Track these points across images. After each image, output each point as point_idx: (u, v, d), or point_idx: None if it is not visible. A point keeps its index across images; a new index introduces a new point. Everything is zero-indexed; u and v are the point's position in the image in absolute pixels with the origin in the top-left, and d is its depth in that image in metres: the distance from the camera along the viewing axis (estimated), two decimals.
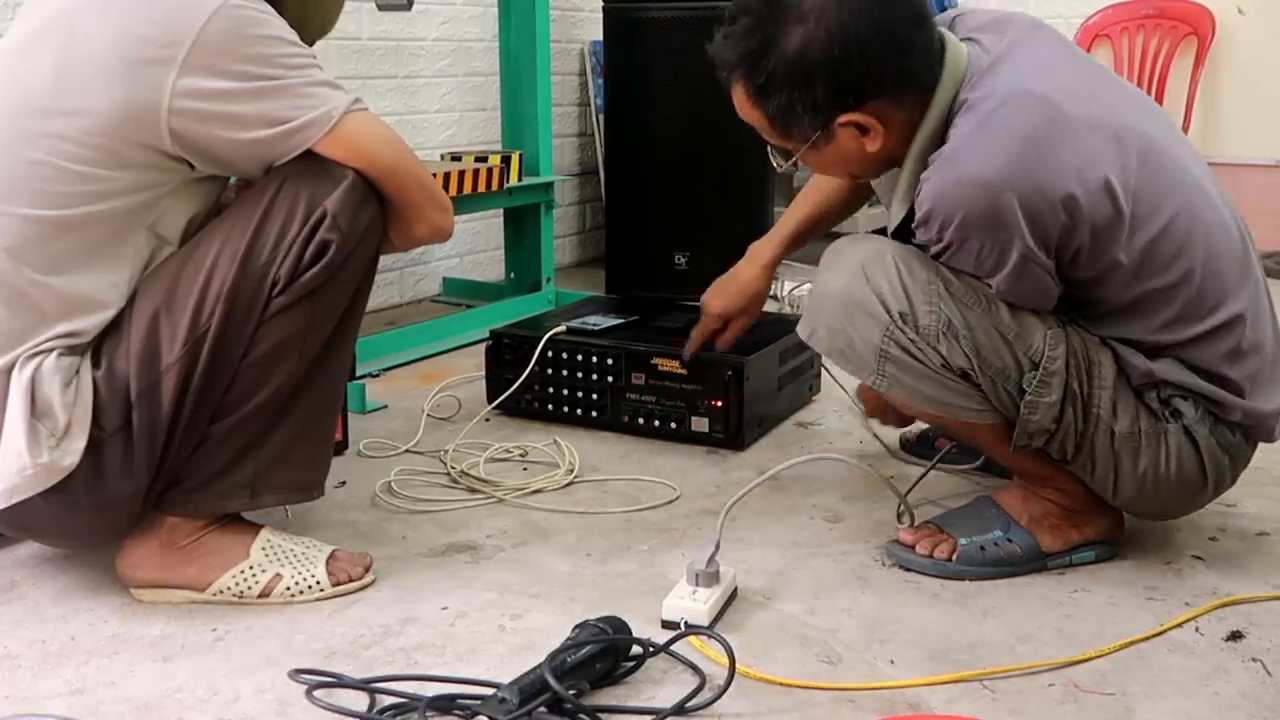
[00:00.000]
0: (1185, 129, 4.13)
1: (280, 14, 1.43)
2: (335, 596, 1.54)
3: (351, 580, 1.57)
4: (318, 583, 1.54)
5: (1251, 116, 4.19)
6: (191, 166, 1.42)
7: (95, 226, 1.39)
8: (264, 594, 1.53)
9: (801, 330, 1.61)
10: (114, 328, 1.43)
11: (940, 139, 1.48)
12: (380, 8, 2.87)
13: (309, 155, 1.44)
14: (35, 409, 1.37)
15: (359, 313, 1.56)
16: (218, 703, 1.30)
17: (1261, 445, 1.61)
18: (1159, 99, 4.23)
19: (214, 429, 1.46)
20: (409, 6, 2.85)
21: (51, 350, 1.39)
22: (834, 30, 1.43)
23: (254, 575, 1.53)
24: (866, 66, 1.45)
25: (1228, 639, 1.44)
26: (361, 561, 1.60)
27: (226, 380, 1.44)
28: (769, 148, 1.62)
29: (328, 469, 1.60)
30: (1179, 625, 1.47)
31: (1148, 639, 1.44)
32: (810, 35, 1.44)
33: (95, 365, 1.42)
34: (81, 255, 1.40)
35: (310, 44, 1.53)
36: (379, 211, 1.50)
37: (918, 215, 1.47)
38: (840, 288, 1.53)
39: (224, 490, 1.50)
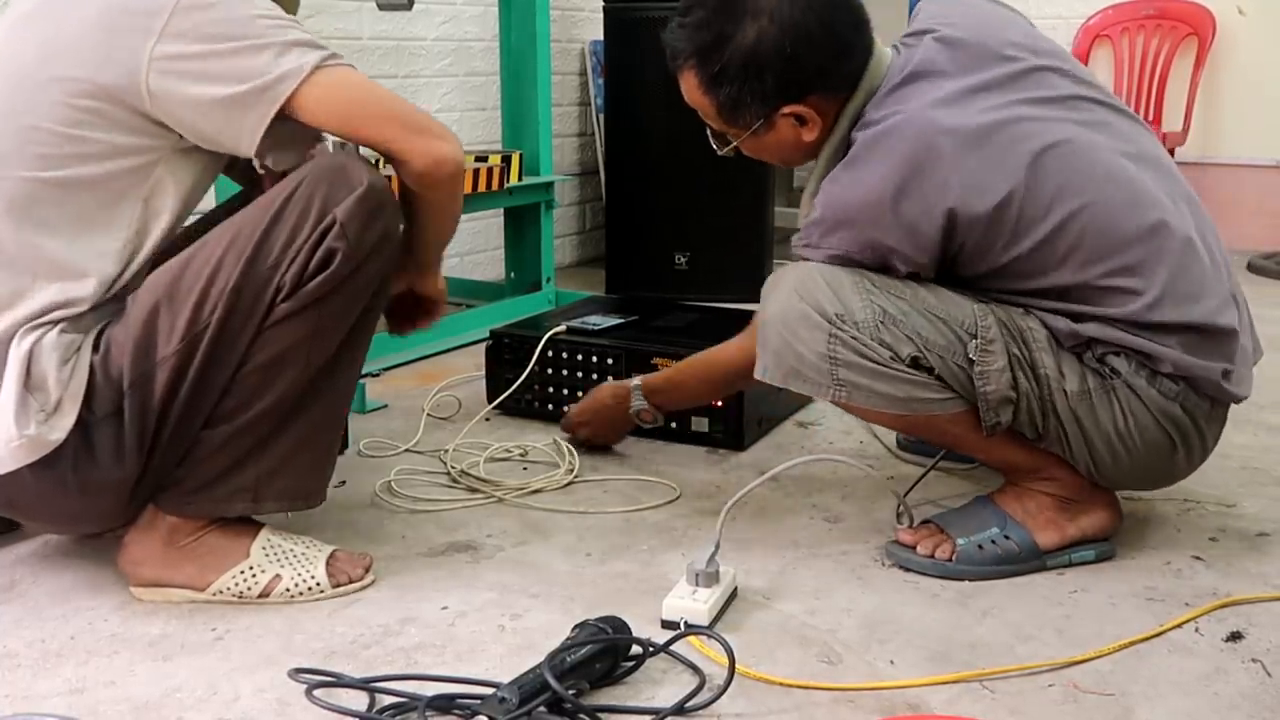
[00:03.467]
0: (1185, 129, 4.13)
1: None
2: (335, 597, 1.55)
3: (351, 581, 1.57)
4: (317, 584, 1.54)
5: (1251, 117, 4.19)
6: (182, 137, 1.44)
7: (86, 190, 1.42)
8: (264, 594, 1.53)
9: (756, 371, 1.62)
10: (118, 316, 1.44)
11: (849, 143, 1.58)
12: (380, 8, 2.87)
13: (327, 158, 1.45)
14: (29, 381, 1.38)
15: (370, 326, 1.55)
16: (217, 702, 1.30)
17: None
18: (1159, 99, 4.23)
19: (215, 432, 1.47)
20: (409, 6, 2.85)
21: (54, 324, 1.41)
22: (786, 27, 1.55)
23: (254, 575, 1.53)
24: (813, 63, 1.57)
25: (1228, 639, 1.44)
26: (361, 562, 1.60)
27: (223, 381, 1.44)
28: (709, 131, 1.73)
29: (330, 477, 1.60)
30: (1179, 625, 1.47)
31: (1147, 639, 1.44)
32: (764, 30, 1.55)
33: (95, 349, 1.43)
34: (71, 218, 1.42)
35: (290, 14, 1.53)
36: (394, 227, 1.49)
37: (810, 216, 1.59)
38: (778, 310, 1.57)
39: (225, 494, 1.50)
